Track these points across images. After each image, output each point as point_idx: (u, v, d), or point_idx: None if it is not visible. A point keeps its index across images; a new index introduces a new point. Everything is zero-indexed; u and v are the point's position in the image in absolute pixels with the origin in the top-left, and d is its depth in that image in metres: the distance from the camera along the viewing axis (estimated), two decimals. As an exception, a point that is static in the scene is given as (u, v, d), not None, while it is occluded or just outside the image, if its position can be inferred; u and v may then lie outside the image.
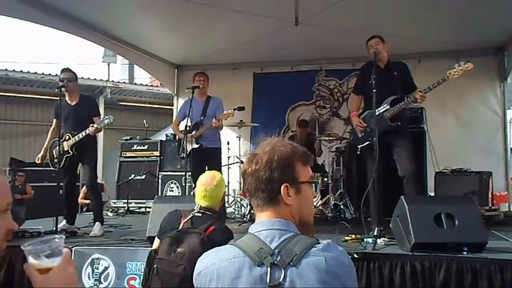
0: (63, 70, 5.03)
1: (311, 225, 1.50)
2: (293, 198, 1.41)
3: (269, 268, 1.29)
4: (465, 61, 4.20)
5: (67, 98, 5.01)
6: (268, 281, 1.28)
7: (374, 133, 4.24)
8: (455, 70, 4.18)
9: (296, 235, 1.36)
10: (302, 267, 1.28)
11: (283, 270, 1.28)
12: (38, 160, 5.09)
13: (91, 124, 4.73)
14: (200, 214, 2.77)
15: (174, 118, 8.11)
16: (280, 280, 1.27)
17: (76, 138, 4.80)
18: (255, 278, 1.30)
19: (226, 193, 6.53)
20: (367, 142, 4.55)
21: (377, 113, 4.42)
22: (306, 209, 1.47)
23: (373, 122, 4.43)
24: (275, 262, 1.29)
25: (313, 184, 1.56)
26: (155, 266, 2.58)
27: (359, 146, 4.68)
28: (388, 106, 4.45)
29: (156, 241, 2.88)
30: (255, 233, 1.38)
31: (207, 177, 2.90)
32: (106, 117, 4.79)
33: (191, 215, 2.76)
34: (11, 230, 1.17)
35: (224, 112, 5.30)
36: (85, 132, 4.74)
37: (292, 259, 1.29)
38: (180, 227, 2.69)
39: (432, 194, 5.72)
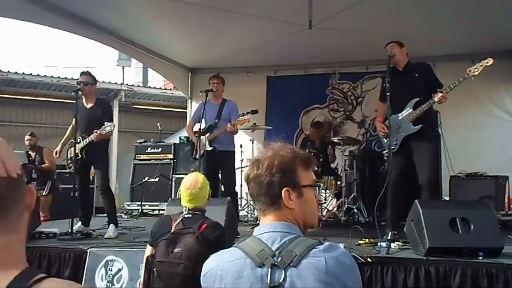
0: (82, 74, 5.09)
1: (315, 227, 1.54)
2: (295, 202, 1.44)
3: (269, 269, 1.32)
4: (485, 57, 4.12)
5: (84, 101, 5.09)
6: (268, 281, 1.31)
7: (390, 139, 4.22)
8: (475, 67, 4.07)
9: (298, 237, 1.39)
10: (302, 267, 1.30)
11: (283, 270, 1.31)
12: (56, 154, 5.23)
13: (94, 131, 4.79)
14: (190, 215, 2.83)
15: (188, 121, 8.18)
16: (280, 280, 1.30)
17: (84, 142, 4.88)
18: (256, 278, 1.33)
19: (239, 196, 6.58)
20: (392, 147, 4.50)
21: (400, 117, 4.41)
22: (310, 212, 1.50)
23: (397, 126, 4.39)
24: (276, 263, 1.32)
25: (323, 189, 1.60)
26: (154, 269, 2.62)
27: (384, 152, 4.65)
28: (411, 109, 4.39)
29: (148, 248, 2.90)
30: (257, 236, 1.42)
31: (190, 181, 2.93)
32: (107, 124, 4.82)
33: (181, 217, 2.81)
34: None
35: (240, 118, 5.30)
36: (90, 139, 4.81)
37: (292, 260, 1.31)
38: (172, 230, 2.74)
39: (447, 198, 5.67)
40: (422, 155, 4.36)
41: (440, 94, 4.18)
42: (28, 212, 1.08)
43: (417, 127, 4.34)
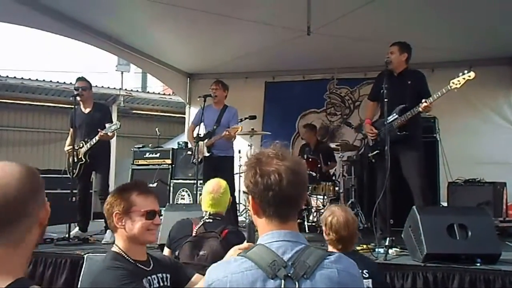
0: (78, 79, 5.11)
1: None
2: None
3: (283, 281, 1.28)
4: (468, 70, 4.14)
5: (81, 107, 5.09)
6: None
7: (386, 142, 4.22)
8: (458, 80, 4.11)
9: (307, 247, 1.36)
10: (316, 279, 1.28)
11: (297, 282, 1.28)
12: (68, 150, 5.10)
13: (99, 130, 4.79)
14: (210, 220, 2.87)
15: (186, 126, 8.19)
16: None
17: (88, 145, 4.87)
18: None
19: (238, 202, 6.57)
20: (377, 151, 4.55)
21: (386, 122, 4.41)
22: None
23: (382, 131, 4.41)
24: (289, 275, 1.28)
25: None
26: None
27: (369, 155, 4.67)
28: (397, 116, 4.43)
29: (166, 251, 2.92)
30: (266, 245, 1.37)
31: (213, 185, 2.99)
32: (114, 123, 4.85)
33: (203, 222, 2.85)
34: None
35: (233, 126, 5.29)
36: (95, 139, 4.81)
37: (306, 271, 1.29)
38: (193, 234, 2.77)
39: (445, 204, 5.66)
40: (408, 163, 4.41)
41: (425, 104, 4.23)
42: (40, 228, 1.11)
43: (401, 134, 4.37)
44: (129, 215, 2.00)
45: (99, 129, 4.79)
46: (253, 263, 1.32)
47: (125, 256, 1.97)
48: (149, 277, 1.96)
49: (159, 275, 2.02)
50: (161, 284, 2.01)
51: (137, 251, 2.01)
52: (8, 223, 1.03)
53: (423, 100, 4.26)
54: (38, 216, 1.10)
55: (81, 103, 5.07)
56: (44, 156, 11.66)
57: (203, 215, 2.93)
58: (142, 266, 1.98)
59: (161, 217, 2.23)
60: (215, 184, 3.00)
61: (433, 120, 5.91)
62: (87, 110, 5.08)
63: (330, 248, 2.62)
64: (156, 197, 2.10)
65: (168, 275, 2.06)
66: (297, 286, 1.27)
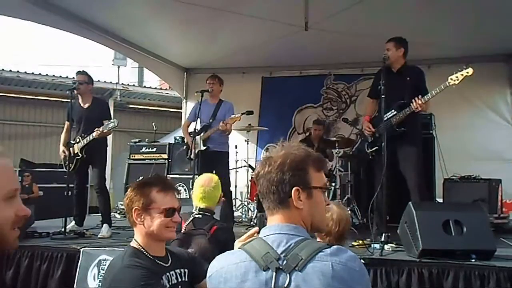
0: (78, 73, 5.08)
1: (324, 231, 1.51)
2: (304, 203, 1.40)
3: (274, 273, 1.29)
4: (466, 66, 4.14)
5: (80, 101, 5.07)
6: (273, 285, 1.29)
7: (383, 139, 4.23)
8: (456, 76, 4.10)
9: (304, 240, 1.36)
10: (308, 271, 1.27)
11: (288, 274, 1.28)
12: (62, 155, 5.05)
13: (96, 128, 4.77)
14: (200, 216, 2.88)
15: (183, 120, 8.17)
16: (285, 285, 1.28)
17: (85, 141, 4.86)
18: (260, 282, 1.31)
19: (234, 197, 6.57)
20: (376, 147, 4.55)
21: (385, 118, 4.41)
22: (318, 215, 1.46)
23: (381, 127, 4.42)
24: (281, 267, 1.29)
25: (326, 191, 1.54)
26: None
27: (368, 151, 4.68)
28: (395, 112, 4.43)
29: None
30: (263, 238, 1.39)
31: (204, 179, 3.01)
32: (111, 121, 4.83)
33: (192, 217, 2.85)
34: (23, 216, 1.05)
35: (232, 116, 5.30)
36: (92, 136, 4.79)
37: (298, 263, 1.29)
38: (182, 230, 2.77)
39: (441, 200, 5.69)
40: (406, 159, 4.42)
41: (419, 102, 4.19)
42: None
43: (400, 130, 4.39)
44: (149, 211, 1.99)
45: (96, 128, 4.77)
46: (248, 255, 1.35)
47: (144, 252, 1.96)
48: (167, 273, 1.96)
49: (177, 270, 2.02)
50: (179, 279, 2.01)
51: (156, 247, 2.01)
52: None
53: (417, 98, 4.22)
54: None
55: (79, 97, 5.05)
56: (40, 150, 11.64)
57: (193, 210, 2.95)
58: (161, 263, 1.98)
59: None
60: (207, 177, 3.04)
61: (429, 117, 5.92)
62: (86, 105, 5.05)
63: (318, 239, 2.62)
64: (177, 192, 2.09)
65: (186, 270, 2.06)
66: (288, 278, 1.28)
